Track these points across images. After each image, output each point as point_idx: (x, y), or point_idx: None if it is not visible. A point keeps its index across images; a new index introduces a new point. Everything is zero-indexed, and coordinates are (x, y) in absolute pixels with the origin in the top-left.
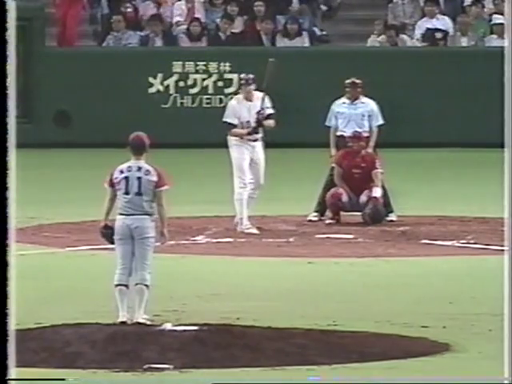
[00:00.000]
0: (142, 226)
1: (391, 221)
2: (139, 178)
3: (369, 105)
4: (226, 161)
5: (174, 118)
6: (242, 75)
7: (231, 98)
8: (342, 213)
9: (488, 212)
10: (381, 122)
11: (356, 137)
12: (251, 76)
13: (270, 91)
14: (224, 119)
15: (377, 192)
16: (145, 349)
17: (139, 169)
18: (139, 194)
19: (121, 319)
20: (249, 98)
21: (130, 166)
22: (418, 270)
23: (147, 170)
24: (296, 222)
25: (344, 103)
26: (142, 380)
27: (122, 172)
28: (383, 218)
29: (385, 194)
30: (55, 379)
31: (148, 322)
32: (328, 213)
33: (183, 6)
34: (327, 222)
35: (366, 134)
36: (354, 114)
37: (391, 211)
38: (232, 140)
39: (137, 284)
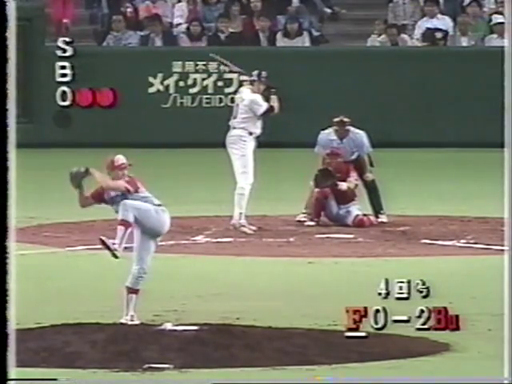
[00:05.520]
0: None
1: (382, 222)
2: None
3: (357, 139)
4: (226, 161)
5: (173, 118)
6: (256, 72)
7: (232, 97)
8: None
9: (488, 212)
10: (370, 150)
11: (334, 153)
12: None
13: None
14: (263, 109)
15: (342, 186)
16: (145, 349)
17: None
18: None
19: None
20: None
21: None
22: (418, 270)
23: None
24: (296, 221)
25: (333, 141)
26: (142, 380)
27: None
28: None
29: (375, 194)
30: (47, 379)
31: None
32: (311, 211)
33: (184, 7)
34: (307, 223)
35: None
36: (344, 152)
37: (381, 211)
38: (246, 136)
39: None
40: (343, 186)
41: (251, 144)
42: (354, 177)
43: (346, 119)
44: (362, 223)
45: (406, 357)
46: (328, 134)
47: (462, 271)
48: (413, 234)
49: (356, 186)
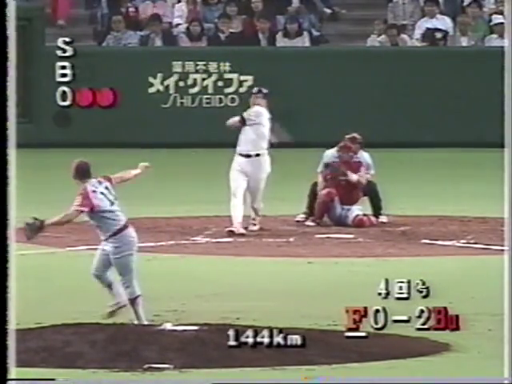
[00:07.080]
0: None
1: (382, 223)
2: None
3: (363, 159)
4: (226, 161)
5: (173, 118)
6: (257, 88)
7: (232, 98)
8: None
9: (488, 212)
10: (372, 172)
11: (346, 147)
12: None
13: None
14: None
15: (352, 176)
16: (145, 349)
17: None
18: None
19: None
20: None
21: None
22: (418, 270)
23: None
24: (295, 222)
25: (337, 158)
26: (142, 380)
27: None
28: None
29: (375, 197)
30: (47, 379)
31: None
32: (314, 212)
33: (184, 7)
34: (307, 223)
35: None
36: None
37: (380, 211)
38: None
39: None
40: (353, 176)
41: None
42: (364, 173)
43: (358, 136)
44: (362, 223)
45: (406, 357)
46: (332, 152)
47: (462, 271)
48: (413, 234)
49: (366, 180)
